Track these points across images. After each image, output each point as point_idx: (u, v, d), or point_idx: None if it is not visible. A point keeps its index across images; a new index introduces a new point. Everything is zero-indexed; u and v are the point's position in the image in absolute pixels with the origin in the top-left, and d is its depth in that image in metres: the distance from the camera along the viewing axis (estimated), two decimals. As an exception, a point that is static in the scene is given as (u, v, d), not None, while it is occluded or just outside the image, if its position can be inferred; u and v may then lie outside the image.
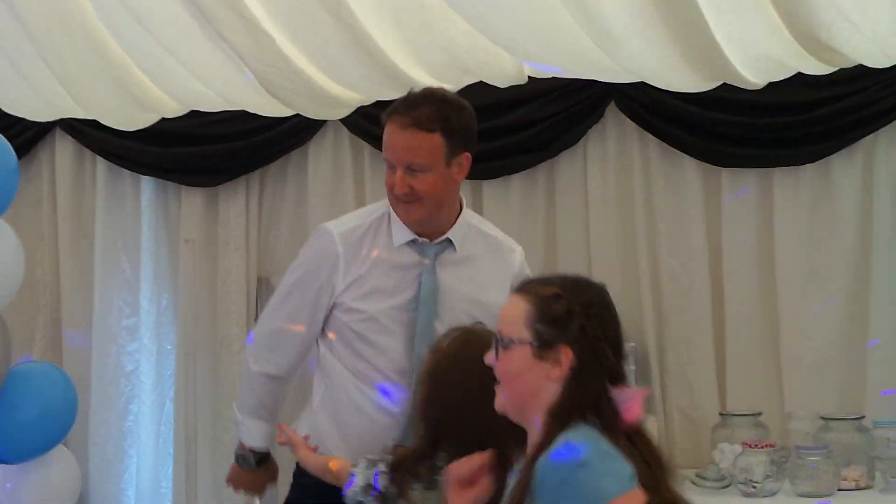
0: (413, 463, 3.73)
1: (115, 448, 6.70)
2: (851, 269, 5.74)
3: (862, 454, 5.30)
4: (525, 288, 2.83)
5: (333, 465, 3.96)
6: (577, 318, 2.64)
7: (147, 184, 6.74)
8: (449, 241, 4.20)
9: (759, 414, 5.53)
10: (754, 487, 5.20)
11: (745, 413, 5.58)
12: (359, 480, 3.71)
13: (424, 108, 4.11)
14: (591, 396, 2.62)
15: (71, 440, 6.10)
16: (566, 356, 2.61)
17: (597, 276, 5.63)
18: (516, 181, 6.14)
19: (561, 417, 2.62)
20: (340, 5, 5.52)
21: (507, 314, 2.79)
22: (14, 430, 4.99)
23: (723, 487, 5.37)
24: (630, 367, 5.68)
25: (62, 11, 5.91)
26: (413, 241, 4.21)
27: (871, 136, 5.62)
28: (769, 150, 5.82)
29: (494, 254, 4.33)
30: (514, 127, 6.09)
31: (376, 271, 4.22)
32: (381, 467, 3.69)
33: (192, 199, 6.67)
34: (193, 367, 6.56)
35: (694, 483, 5.40)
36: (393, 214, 4.25)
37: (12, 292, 5.06)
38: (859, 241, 5.74)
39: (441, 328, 4.07)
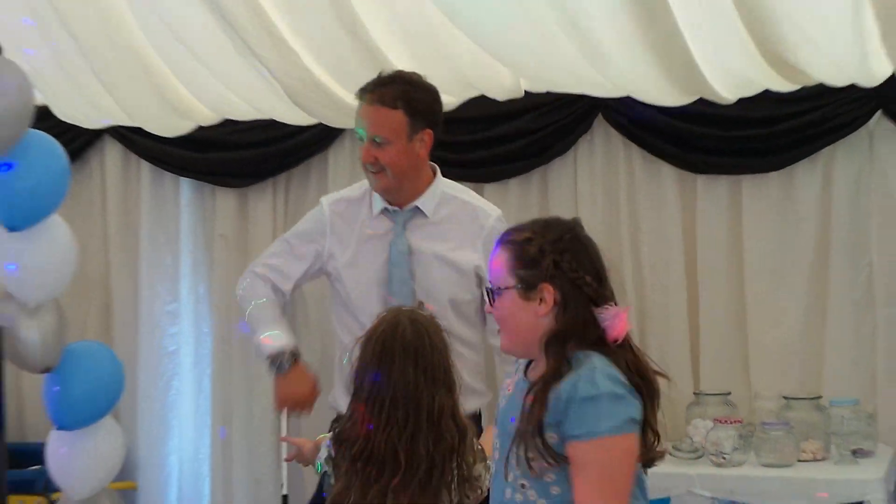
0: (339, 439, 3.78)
1: (160, 419, 6.75)
2: (812, 266, 5.71)
3: (819, 430, 5.33)
4: (505, 239, 2.84)
5: (318, 440, 3.97)
6: (549, 255, 2.69)
7: (186, 185, 6.75)
8: (417, 208, 4.36)
9: (729, 394, 5.57)
10: (724, 458, 5.23)
11: (716, 393, 5.61)
12: (323, 452, 3.78)
13: (390, 87, 4.30)
14: (580, 322, 2.67)
15: (121, 412, 6.13)
16: (548, 292, 2.67)
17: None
18: (514, 184, 6.13)
19: (558, 346, 2.69)
20: (357, 26, 5.64)
21: (495, 265, 2.83)
22: (68, 401, 4.92)
23: (696, 458, 5.34)
24: None
25: (110, 29, 5.94)
26: (385, 210, 4.39)
27: (830, 147, 5.59)
28: (739, 159, 5.79)
29: (469, 217, 4.42)
30: (511, 136, 6.07)
31: (358, 239, 4.42)
32: (329, 437, 3.72)
33: (225, 199, 6.67)
34: (228, 348, 6.54)
35: (671, 454, 5.23)
36: (366, 189, 4.54)
37: (67, 281, 4.97)
38: (819, 240, 5.70)
39: (418, 288, 4.30)
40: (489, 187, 6.16)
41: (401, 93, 4.26)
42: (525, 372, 2.92)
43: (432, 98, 4.37)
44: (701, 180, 5.85)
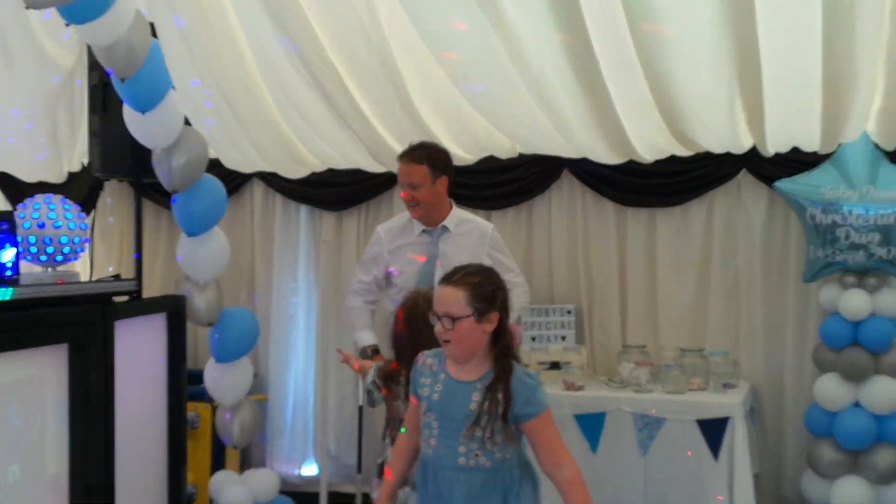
0: (386, 375, 4.03)
1: (283, 356, 6.77)
2: (699, 267, 5.73)
3: (702, 371, 5.37)
4: (457, 280, 2.91)
5: (366, 366, 4.25)
6: (499, 294, 2.90)
7: (303, 209, 6.76)
8: (445, 227, 4.39)
9: (644, 346, 5.67)
10: (640, 387, 5.31)
11: (637, 345, 5.70)
12: (370, 376, 4.07)
13: (418, 150, 4.35)
14: (508, 335, 2.90)
15: (259, 351, 6.41)
16: (495, 317, 2.85)
17: (555, 272, 6.23)
18: (510, 212, 6.14)
19: (503, 352, 2.91)
20: (411, 107, 5.67)
21: (452, 300, 2.86)
22: (223, 344, 5.12)
23: (623, 387, 5.40)
24: (570, 318, 5.93)
25: (257, 105, 5.95)
26: (424, 230, 4.41)
27: (713, 191, 5.65)
28: (654, 198, 5.81)
29: (475, 231, 4.46)
30: (509, 181, 6.10)
31: (404, 249, 4.45)
32: (376, 372, 4.04)
33: (328, 218, 6.66)
34: (326, 314, 6.47)
35: (607, 384, 5.52)
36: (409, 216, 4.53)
37: (223, 269, 5.09)
38: (704, 251, 5.74)
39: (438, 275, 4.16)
40: (495, 213, 6.09)
41: (425, 154, 4.35)
42: (446, 373, 3.03)
43: (445, 156, 4.39)
44: (630, 211, 5.87)
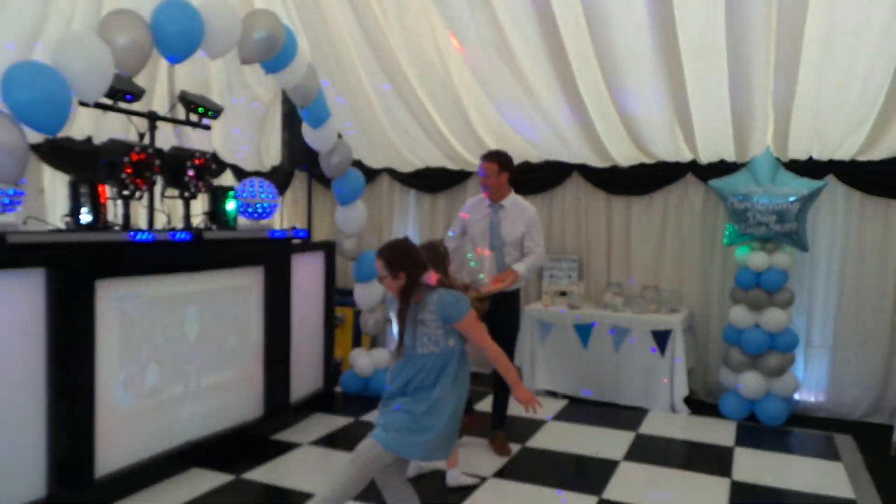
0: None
1: None
2: (658, 235, 5.67)
3: (657, 300, 5.47)
4: (378, 253, 2.73)
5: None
6: (397, 261, 2.67)
7: (412, 192, 6.60)
8: (501, 205, 4.21)
9: (620, 284, 5.67)
10: (618, 309, 5.38)
11: (615, 282, 5.69)
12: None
13: (492, 155, 4.21)
14: (414, 281, 2.66)
15: None
16: (402, 275, 2.65)
17: (567, 236, 5.86)
18: (539, 197, 5.96)
19: (407, 291, 2.67)
20: (473, 130, 5.63)
21: (379, 266, 2.72)
22: (362, 271, 5.25)
23: (606, 308, 5.44)
24: (575, 265, 5.89)
25: (377, 126, 5.91)
26: (491, 204, 4.23)
27: (667, 186, 5.58)
28: (630, 189, 5.70)
29: (522, 210, 4.22)
30: (538, 177, 5.99)
31: (478, 215, 4.26)
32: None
33: (426, 198, 6.54)
34: None
35: (596, 306, 5.59)
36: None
37: (362, 226, 5.18)
38: (662, 225, 5.66)
39: (502, 236, 4.19)
40: (528, 197, 5.51)
41: (495, 156, 4.19)
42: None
43: (508, 158, 4.24)
44: (614, 199, 5.81)
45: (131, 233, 3.45)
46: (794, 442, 4.61)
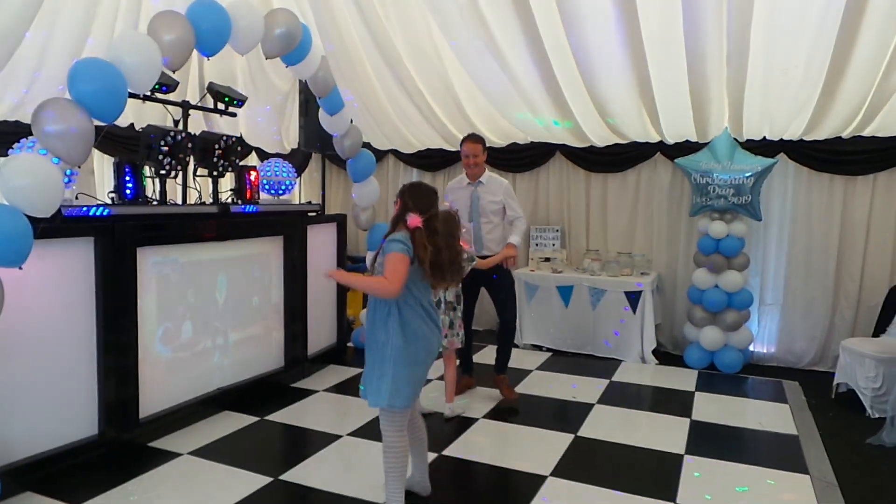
0: None
1: None
2: (631, 207, 5.68)
3: (630, 264, 5.46)
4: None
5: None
6: (406, 192, 2.57)
7: (414, 170, 6.60)
8: (480, 181, 4.15)
9: (598, 250, 5.68)
10: (595, 273, 5.40)
11: (593, 249, 5.70)
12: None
13: (477, 137, 4.16)
14: (402, 215, 2.54)
15: None
16: (399, 202, 2.57)
17: (551, 208, 5.81)
18: (526, 175, 6.01)
19: (395, 224, 2.55)
20: (461, 107, 5.62)
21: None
22: (373, 240, 5.12)
23: (584, 272, 5.46)
24: (558, 234, 5.92)
25: (383, 112, 5.89)
26: (470, 182, 4.17)
27: (640, 164, 5.57)
28: (606, 167, 5.70)
29: (498, 184, 4.18)
30: (524, 157, 5.99)
31: (460, 194, 4.20)
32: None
33: (427, 176, 6.53)
34: None
35: (575, 270, 5.59)
36: (464, 176, 4.24)
37: (376, 199, 4.99)
38: (634, 198, 5.67)
39: (481, 210, 4.15)
40: (517, 175, 6.05)
41: (480, 138, 4.13)
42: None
43: (483, 141, 4.15)
44: (592, 175, 5.80)
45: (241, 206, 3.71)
46: (747, 387, 4.67)
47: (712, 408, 4.17)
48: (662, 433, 3.71)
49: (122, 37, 2.85)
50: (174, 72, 3.19)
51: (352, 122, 4.86)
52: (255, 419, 3.81)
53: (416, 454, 2.83)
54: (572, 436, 3.64)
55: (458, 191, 4.27)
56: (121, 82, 2.69)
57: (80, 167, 3.20)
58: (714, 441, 3.62)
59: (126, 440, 3.29)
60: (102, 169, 6.97)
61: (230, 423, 3.75)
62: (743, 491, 3.01)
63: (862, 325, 4.98)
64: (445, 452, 3.37)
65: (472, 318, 4.30)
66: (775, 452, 3.45)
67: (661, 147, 5.50)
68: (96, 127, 2.65)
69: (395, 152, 6.63)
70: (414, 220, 2.52)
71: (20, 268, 2.44)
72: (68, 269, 3.03)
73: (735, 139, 5.08)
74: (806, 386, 4.69)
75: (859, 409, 4.11)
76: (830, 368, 4.91)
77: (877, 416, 3.98)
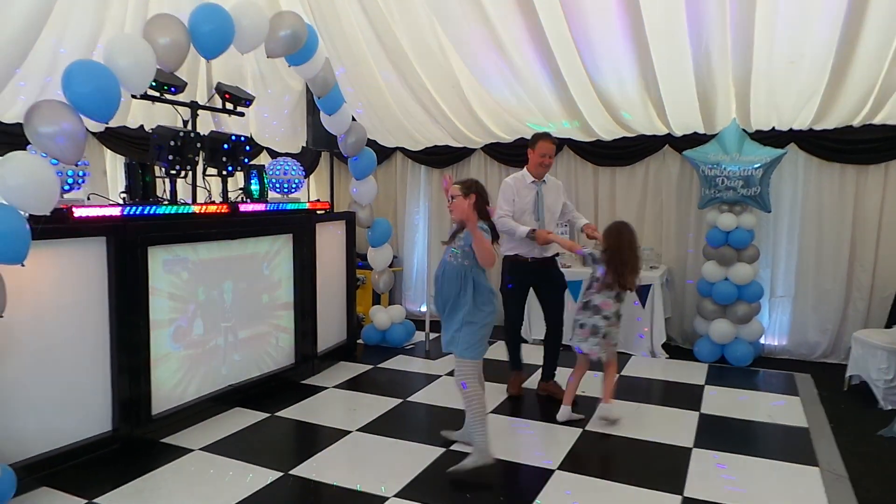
0: None
1: (411, 245, 6.61)
2: (639, 200, 5.64)
3: (642, 259, 5.44)
4: (456, 182, 3.01)
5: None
6: (472, 187, 2.97)
7: (422, 168, 6.57)
8: (544, 180, 4.10)
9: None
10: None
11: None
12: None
13: (551, 136, 4.09)
14: (484, 201, 2.98)
15: (399, 245, 6.43)
16: (474, 196, 2.92)
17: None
18: None
19: (480, 206, 2.96)
20: (473, 111, 5.55)
21: (454, 189, 2.98)
22: (374, 236, 5.31)
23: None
24: (566, 228, 5.92)
25: (389, 111, 5.86)
26: (532, 181, 4.09)
27: (647, 158, 5.54)
28: (614, 160, 5.67)
29: (554, 185, 4.16)
30: None
31: (525, 192, 4.10)
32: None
33: (435, 172, 6.47)
34: (432, 224, 6.44)
35: (584, 265, 5.67)
36: (526, 172, 4.13)
37: (373, 197, 5.19)
38: (643, 191, 5.64)
39: (545, 207, 4.10)
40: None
41: (555, 139, 4.10)
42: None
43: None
44: (600, 169, 5.76)
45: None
46: (758, 380, 4.64)
47: (722, 400, 4.15)
48: (672, 426, 3.70)
49: (117, 39, 2.91)
50: (172, 73, 3.22)
51: (354, 119, 4.88)
52: (265, 415, 3.85)
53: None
54: (580, 430, 3.64)
55: (522, 188, 4.15)
56: (114, 84, 2.74)
57: (90, 168, 3.22)
58: (723, 434, 3.60)
59: (139, 436, 3.33)
60: (116, 169, 7.03)
61: (241, 419, 3.79)
62: (751, 483, 3.00)
63: (875, 317, 4.94)
64: (454, 448, 3.37)
65: (523, 318, 4.33)
66: (785, 445, 3.43)
67: (668, 139, 5.46)
68: (108, 129, 2.68)
69: (403, 149, 6.62)
70: (493, 210, 3.02)
71: (22, 264, 2.48)
72: (81, 268, 3.08)
73: (744, 130, 5.04)
74: (818, 378, 4.64)
75: (872, 401, 4.08)
76: (843, 360, 4.85)
77: (889, 407, 3.95)
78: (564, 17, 4.24)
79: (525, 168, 4.17)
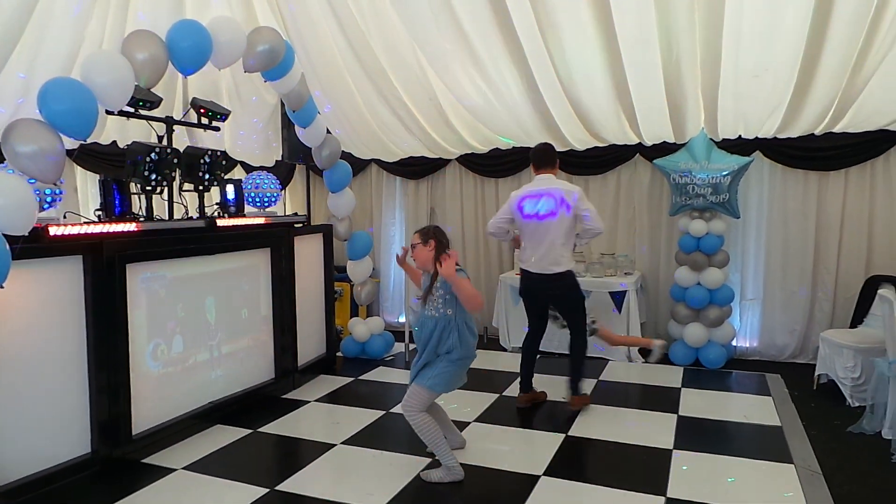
0: None
1: (388, 256, 6.57)
2: (612, 208, 5.73)
3: (614, 265, 5.52)
4: (417, 231, 3.08)
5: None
6: (432, 237, 3.03)
7: (398, 179, 6.54)
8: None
9: (582, 252, 5.54)
10: (578, 274, 5.60)
11: (578, 252, 5.67)
12: None
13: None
14: (443, 247, 3.01)
15: (377, 257, 6.31)
16: (433, 243, 3.00)
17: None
18: (509, 179, 5.93)
19: (439, 254, 3.00)
20: (450, 122, 5.61)
21: (414, 238, 3.07)
22: (352, 248, 5.27)
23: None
24: None
25: (364, 124, 5.83)
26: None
27: (619, 167, 5.63)
28: (587, 169, 5.71)
29: (568, 190, 3.87)
30: (506, 161, 5.95)
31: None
32: None
33: (410, 184, 6.48)
34: (408, 236, 6.37)
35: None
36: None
37: (351, 210, 5.13)
38: (614, 200, 5.72)
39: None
40: (499, 180, 6.06)
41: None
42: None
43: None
44: (574, 178, 5.70)
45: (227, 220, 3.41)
46: (731, 382, 4.74)
47: (698, 403, 4.22)
48: (651, 428, 3.75)
49: (94, 56, 2.87)
50: (150, 89, 3.19)
51: (328, 132, 4.87)
52: (248, 431, 3.81)
53: (441, 421, 3.27)
54: (563, 435, 3.67)
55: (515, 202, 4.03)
56: (90, 101, 2.70)
57: (64, 185, 3.17)
58: (701, 435, 3.67)
59: (119, 457, 3.26)
60: (86, 186, 6.93)
61: (223, 436, 3.74)
62: (731, 482, 3.06)
63: (840, 317, 5.09)
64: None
65: (536, 336, 4.18)
66: (760, 444, 3.51)
67: (640, 149, 5.57)
68: (80, 146, 2.64)
69: (378, 161, 6.63)
70: (452, 256, 2.96)
71: (1, 286, 2.43)
72: (58, 288, 3.02)
73: (711, 139, 5.17)
74: (788, 378, 4.76)
75: (840, 399, 4.19)
76: (811, 360, 4.99)
77: (857, 404, 4.06)
78: (540, 32, 4.30)
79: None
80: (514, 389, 4.57)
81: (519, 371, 4.25)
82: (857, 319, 4.77)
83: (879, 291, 4.11)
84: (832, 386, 4.38)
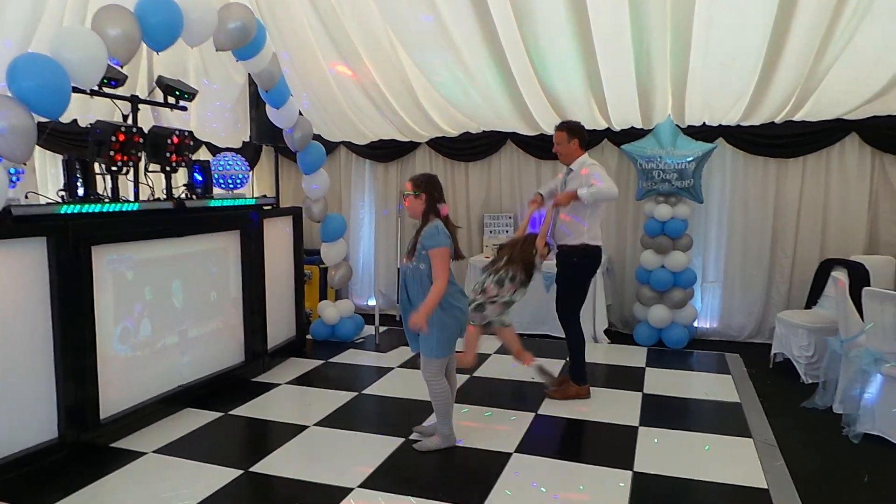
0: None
1: (356, 240, 6.56)
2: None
3: None
4: (411, 178, 3.05)
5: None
6: (424, 186, 3.00)
7: (367, 162, 6.54)
8: (571, 168, 3.95)
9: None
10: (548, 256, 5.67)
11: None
12: None
13: (560, 125, 3.99)
14: (434, 206, 2.99)
15: (347, 238, 6.49)
16: (424, 196, 2.97)
17: (503, 196, 5.83)
18: (479, 163, 6.02)
19: (427, 216, 3.00)
20: (421, 105, 5.56)
21: (407, 186, 3.02)
22: (326, 230, 5.22)
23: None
24: (511, 220, 5.98)
25: (336, 105, 5.79)
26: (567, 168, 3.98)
27: (594, 149, 5.37)
28: (553, 154, 5.34)
29: (578, 175, 3.86)
30: (476, 145, 5.98)
31: (553, 182, 4.14)
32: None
33: (380, 167, 6.47)
34: (378, 219, 6.46)
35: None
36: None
37: (326, 191, 5.12)
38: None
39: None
40: (469, 164, 6.08)
41: (563, 126, 3.95)
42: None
43: (576, 126, 3.95)
44: (542, 163, 5.81)
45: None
46: (693, 361, 4.89)
47: (662, 381, 4.34)
48: (617, 406, 3.85)
49: (65, 32, 2.76)
50: (122, 66, 3.10)
51: (300, 114, 4.80)
52: (218, 414, 3.79)
53: (451, 388, 3.27)
54: (533, 414, 3.74)
55: (554, 178, 4.18)
56: (63, 78, 2.61)
57: (25, 165, 3.08)
58: (665, 412, 3.78)
59: (88, 442, 3.22)
60: (45, 166, 6.70)
61: (194, 419, 3.70)
62: (693, 456, 3.17)
63: (795, 299, 5.26)
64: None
65: (579, 312, 4.05)
66: (721, 419, 3.63)
67: (608, 134, 5.63)
68: (42, 124, 2.56)
69: (348, 144, 6.57)
70: (445, 208, 2.98)
71: None
72: (21, 270, 2.93)
73: (677, 125, 5.26)
74: (746, 357, 4.91)
75: (795, 377, 4.36)
76: (768, 340, 5.16)
77: (810, 381, 4.23)
78: (516, 21, 4.30)
79: None
80: (485, 370, 4.62)
81: (573, 359, 4.08)
82: (811, 301, 4.93)
83: (832, 274, 4.26)
84: (787, 364, 4.52)
